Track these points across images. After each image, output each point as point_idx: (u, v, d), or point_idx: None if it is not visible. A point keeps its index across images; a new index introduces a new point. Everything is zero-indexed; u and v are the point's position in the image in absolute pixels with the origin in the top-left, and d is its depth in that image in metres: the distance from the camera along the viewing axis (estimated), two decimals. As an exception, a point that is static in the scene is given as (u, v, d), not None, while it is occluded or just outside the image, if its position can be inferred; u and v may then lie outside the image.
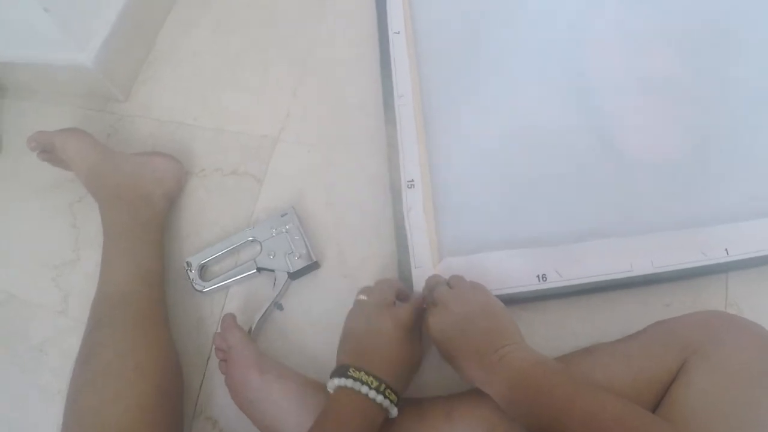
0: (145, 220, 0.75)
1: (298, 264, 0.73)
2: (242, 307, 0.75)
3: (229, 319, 0.68)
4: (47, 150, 0.80)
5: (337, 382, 0.55)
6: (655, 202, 0.74)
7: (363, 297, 0.64)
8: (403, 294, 0.66)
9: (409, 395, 0.63)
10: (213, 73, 0.92)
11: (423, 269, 0.70)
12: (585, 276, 0.68)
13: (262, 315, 0.72)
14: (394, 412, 0.55)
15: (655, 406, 0.53)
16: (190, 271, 0.75)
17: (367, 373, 0.54)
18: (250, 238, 0.76)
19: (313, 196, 0.80)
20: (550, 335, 0.66)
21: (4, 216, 0.88)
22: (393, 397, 0.55)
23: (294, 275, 0.73)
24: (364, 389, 0.54)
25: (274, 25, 0.94)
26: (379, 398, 0.54)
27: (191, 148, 0.86)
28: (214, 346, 0.70)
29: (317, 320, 0.73)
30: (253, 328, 0.71)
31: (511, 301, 0.65)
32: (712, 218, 0.70)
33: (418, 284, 0.69)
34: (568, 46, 0.84)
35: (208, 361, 0.73)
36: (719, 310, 0.69)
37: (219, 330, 0.70)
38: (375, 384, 0.54)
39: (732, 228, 0.69)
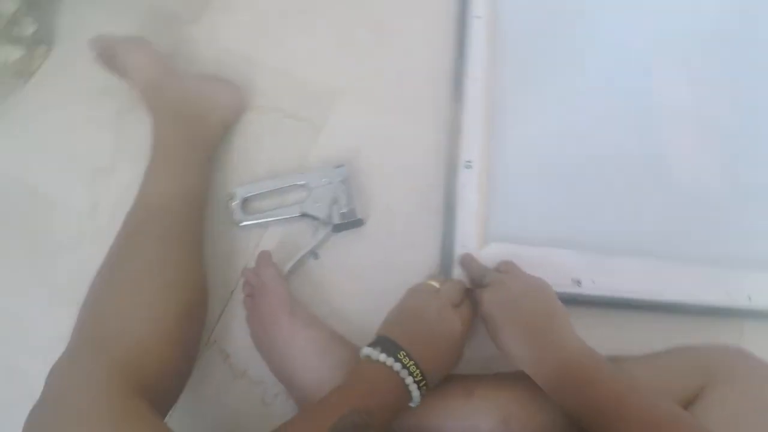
0: (197, 141, 0.73)
1: (343, 218, 0.73)
2: (277, 249, 0.74)
3: (266, 256, 0.68)
4: (108, 55, 0.78)
5: (384, 359, 0.53)
6: (694, 233, 0.76)
7: (435, 284, 0.62)
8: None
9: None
10: (291, 16, 0.90)
11: (467, 250, 0.70)
12: (617, 290, 0.69)
13: (298, 260, 0.71)
14: (416, 404, 0.54)
15: None
16: (233, 201, 0.74)
17: (416, 365, 0.53)
18: (302, 182, 0.75)
19: (367, 154, 0.79)
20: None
21: (47, 112, 0.85)
22: (425, 392, 0.54)
23: (337, 228, 0.73)
24: (409, 380, 0.52)
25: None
26: (416, 393, 0.53)
27: (253, 84, 0.84)
28: (242, 280, 0.70)
29: (350, 276, 0.73)
30: (286, 271, 0.71)
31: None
32: (745, 261, 0.72)
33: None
34: (638, 66, 0.85)
35: (232, 293, 0.72)
36: (741, 347, 0.70)
37: (252, 266, 0.69)
38: (419, 378, 0.53)
39: (760, 277, 0.71)
